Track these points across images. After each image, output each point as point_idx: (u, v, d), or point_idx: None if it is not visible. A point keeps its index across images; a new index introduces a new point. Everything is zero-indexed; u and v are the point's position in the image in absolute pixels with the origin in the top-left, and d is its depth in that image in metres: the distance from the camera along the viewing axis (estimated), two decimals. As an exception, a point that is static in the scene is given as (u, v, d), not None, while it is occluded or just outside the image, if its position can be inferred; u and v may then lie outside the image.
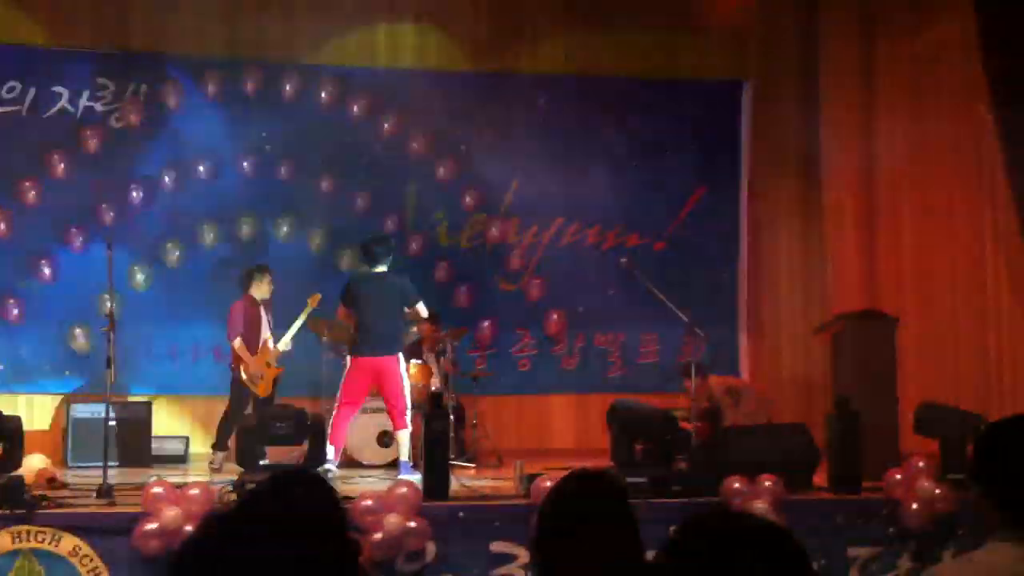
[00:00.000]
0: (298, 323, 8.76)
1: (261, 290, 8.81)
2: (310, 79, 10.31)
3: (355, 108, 10.38)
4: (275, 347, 8.70)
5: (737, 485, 6.04)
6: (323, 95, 10.31)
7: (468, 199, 10.57)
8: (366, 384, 8.01)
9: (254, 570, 1.19)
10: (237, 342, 8.59)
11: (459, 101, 10.58)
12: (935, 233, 9.43)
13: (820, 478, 6.73)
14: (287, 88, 10.26)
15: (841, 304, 9.55)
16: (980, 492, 2.42)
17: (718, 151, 10.95)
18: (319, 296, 8.87)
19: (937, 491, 6.22)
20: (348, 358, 8.17)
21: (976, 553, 2.42)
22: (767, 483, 6.05)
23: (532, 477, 6.12)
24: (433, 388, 8.68)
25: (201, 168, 10.06)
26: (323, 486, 2.39)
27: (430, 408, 6.35)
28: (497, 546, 5.82)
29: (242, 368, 8.57)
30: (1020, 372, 8.24)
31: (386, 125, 10.44)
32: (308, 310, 8.78)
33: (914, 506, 6.22)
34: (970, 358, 8.87)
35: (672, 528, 1.65)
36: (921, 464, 6.39)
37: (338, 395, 7.99)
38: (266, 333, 8.74)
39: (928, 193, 9.58)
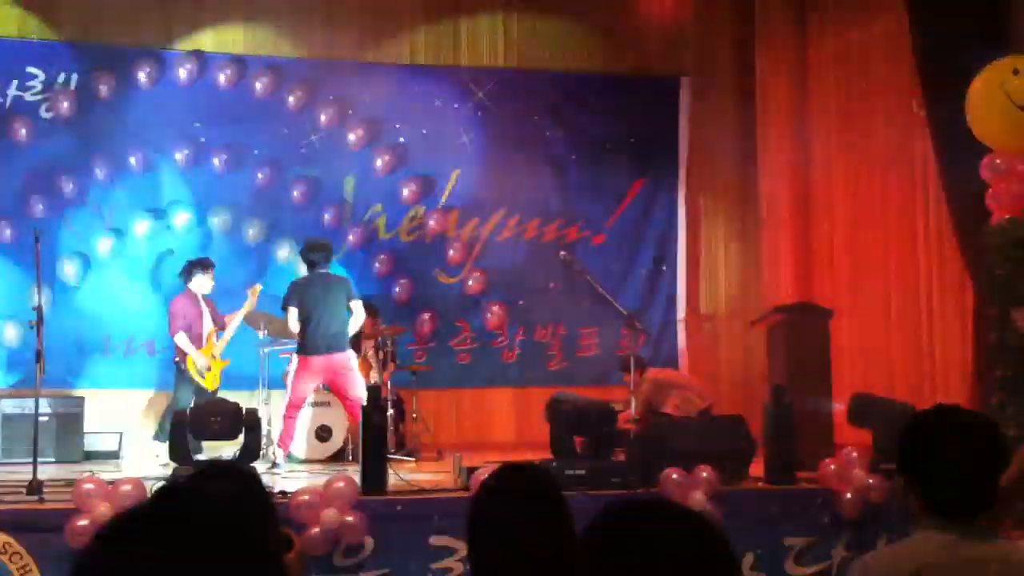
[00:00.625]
0: (240, 314, 8.67)
1: (202, 284, 8.68)
2: (244, 69, 10.18)
3: (291, 99, 10.28)
4: (219, 340, 8.59)
5: (674, 476, 6.08)
6: (258, 86, 10.18)
7: (407, 192, 10.52)
8: (315, 383, 8.21)
9: (161, 570, 1.15)
10: (180, 336, 8.48)
11: (398, 93, 10.55)
12: (869, 227, 9.57)
13: (757, 469, 6.79)
14: (220, 78, 10.12)
15: (777, 297, 9.67)
16: (904, 482, 2.46)
17: (656, 145, 11.04)
18: (259, 287, 8.78)
19: (871, 481, 6.31)
20: (295, 358, 8.13)
21: (904, 541, 2.47)
22: (704, 474, 6.09)
23: (471, 470, 6.10)
24: (371, 382, 8.62)
25: (133, 160, 9.88)
26: (250, 479, 2.36)
27: (368, 402, 6.30)
28: (436, 540, 5.79)
29: (188, 361, 8.46)
30: (952, 364, 8.38)
31: (323, 117, 10.35)
32: (250, 301, 8.69)
33: (848, 496, 6.30)
34: (904, 350, 9.02)
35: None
36: (855, 454, 6.48)
37: (288, 396, 8.03)
38: (209, 326, 8.62)
39: (862, 188, 9.72)
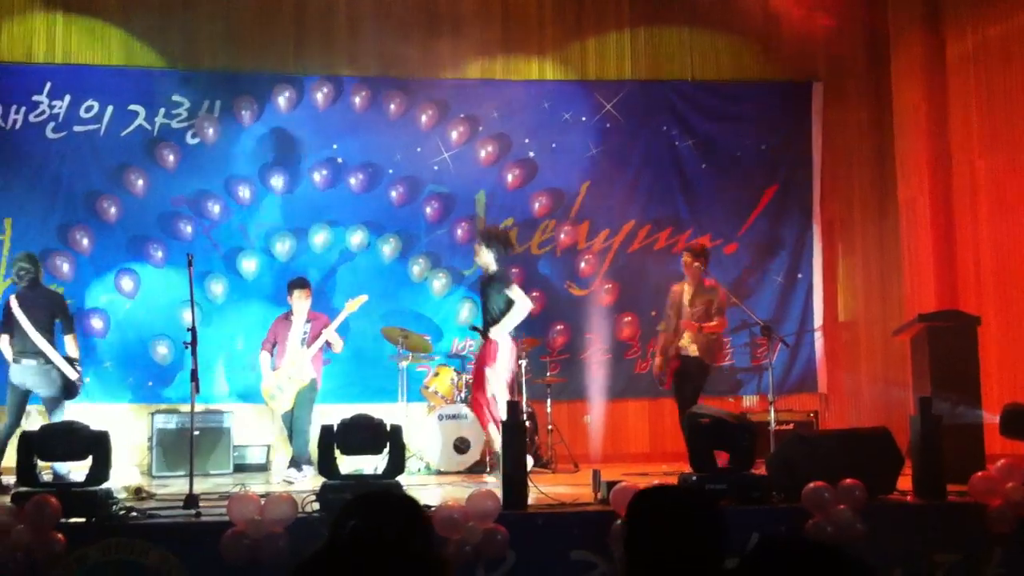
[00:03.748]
0: (335, 324, 8.97)
1: (298, 303, 8.95)
2: (377, 91, 10.43)
3: (423, 118, 10.47)
4: (302, 350, 8.85)
5: (819, 490, 5.94)
6: (391, 106, 10.41)
7: (537, 205, 10.60)
8: None
9: None
10: (263, 356, 8.96)
11: (526, 109, 10.66)
12: (1013, 229, 9.23)
13: (904, 483, 6.61)
14: (355, 100, 10.39)
15: (919, 304, 9.39)
16: None
17: (789, 152, 10.87)
18: (364, 297, 9.11)
19: (1025, 495, 6.08)
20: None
21: None
22: (849, 488, 5.95)
23: (610, 484, 6.10)
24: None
25: (273, 181, 10.23)
26: (410, 506, 2.44)
27: (509, 416, 6.37)
28: (577, 554, 5.81)
29: (261, 384, 8.88)
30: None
31: (454, 134, 10.53)
32: (346, 311, 9.01)
33: (1001, 510, 6.08)
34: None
35: (753, 535, 1.67)
36: (1008, 467, 6.25)
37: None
38: (295, 346, 8.88)
39: (1004, 188, 9.38)
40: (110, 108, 10.06)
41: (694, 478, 6.37)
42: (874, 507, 6.05)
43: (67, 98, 9.99)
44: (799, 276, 10.80)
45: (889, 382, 10.03)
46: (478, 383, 8.29)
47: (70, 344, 8.14)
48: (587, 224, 10.69)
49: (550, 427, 9.41)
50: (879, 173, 10.78)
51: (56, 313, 8.17)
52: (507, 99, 10.65)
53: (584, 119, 10.71)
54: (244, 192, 10.18)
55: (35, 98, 9.98)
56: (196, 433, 7.30)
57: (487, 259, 8.47)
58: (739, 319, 10.01)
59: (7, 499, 5.91)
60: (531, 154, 10.66)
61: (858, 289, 10.89)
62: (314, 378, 8.85)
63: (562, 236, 10.61)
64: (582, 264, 10.63)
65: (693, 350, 8.62)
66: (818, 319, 10.76)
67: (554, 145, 10.66)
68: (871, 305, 10.79)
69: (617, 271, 10.65)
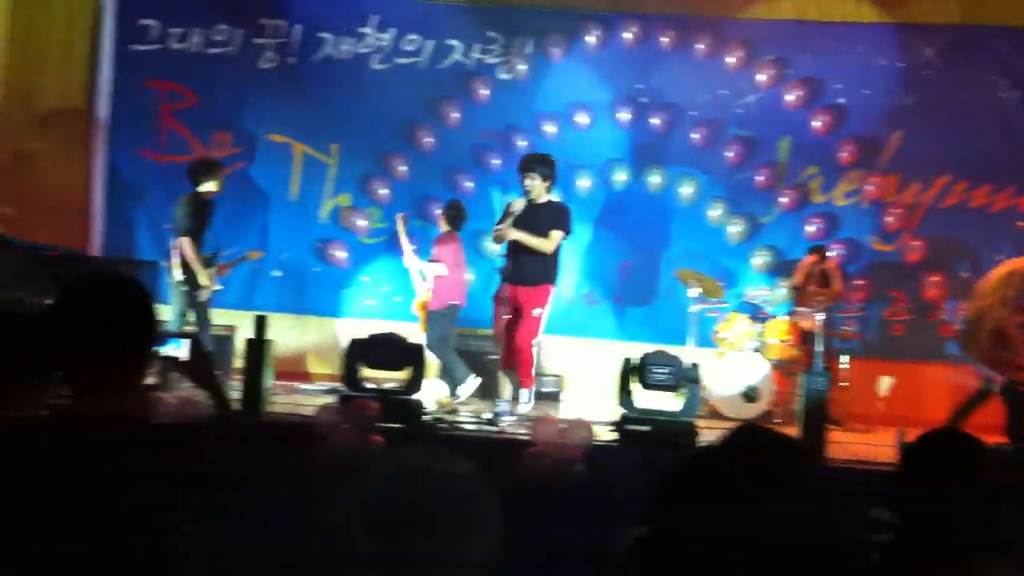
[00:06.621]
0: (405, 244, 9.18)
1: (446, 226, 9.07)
2: (686, 31, 10.34)
3: (730, 59, 10.29)
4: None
5: None
6: (699, 47, 10.30)
7: (844, 154, 10.20)
8: None
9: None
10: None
11: (839, 53, 10.23)
12: None
13: None
14: (663, 40, 10.35)
15: None
16: None
17: None
18: (405, 214, 9.39)
19: None
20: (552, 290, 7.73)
21: None
22: None
23: (908, 446, 5.85)
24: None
25: (578, 118, 10.39)
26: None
27: (809, 368, 6.26)
28: (877, 513, 5.65)
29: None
30: None
31: (761, 76, 10.28)
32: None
33: None
34: None
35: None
36: None
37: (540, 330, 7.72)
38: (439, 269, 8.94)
39: None
40: (431, 42, 10.54)
41: (1009, 449, 6.04)
42: None
43: (391, 31, 10.56)
44: None
45: None
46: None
47: None
48: (897, 176, 10.20)
49: (844, 384, 9.14)
50: None
51: None
52: (820, 41, 10.25)
53: (901, 65, 10.16)
54: (550, 128, 10.41)
55: (362, 30, 10.61)
56: (493, 357, 7.60)
57: (540, 188, 7.70)
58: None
59: (334, 400, 6.44)
60: (841, 100, 10.25)
61: None
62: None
63: (869, 188, 10.18)
64: (888, 218, 10.16)
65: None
66: None
67: (866, 92, 10.20)
68: None
69: (927, 227, 10.11)
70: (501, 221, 7.60)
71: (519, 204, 7.49)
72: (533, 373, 7.64)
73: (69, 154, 10.76)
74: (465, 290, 9.05)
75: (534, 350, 7.63)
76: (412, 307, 9.49)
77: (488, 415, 7.25)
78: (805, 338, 9.11)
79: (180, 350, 2.74)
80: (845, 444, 6.85)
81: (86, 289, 2.29)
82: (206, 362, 2.73)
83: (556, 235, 7.50)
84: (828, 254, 9.56)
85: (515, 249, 7.56)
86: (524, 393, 7.66)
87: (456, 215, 9.02)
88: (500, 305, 7.90)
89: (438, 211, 9.46)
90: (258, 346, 6.33)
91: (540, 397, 9.43)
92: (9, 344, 2.57)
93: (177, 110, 10.76)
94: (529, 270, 7.47)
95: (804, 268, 9.46)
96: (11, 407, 2.56)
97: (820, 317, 8.69)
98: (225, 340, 8.76)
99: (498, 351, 8.10)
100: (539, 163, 7.70)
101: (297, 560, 5.81)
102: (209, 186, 8.26)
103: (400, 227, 9.37)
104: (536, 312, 7.50)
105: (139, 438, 2.22)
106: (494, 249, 7.61)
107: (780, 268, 10.16)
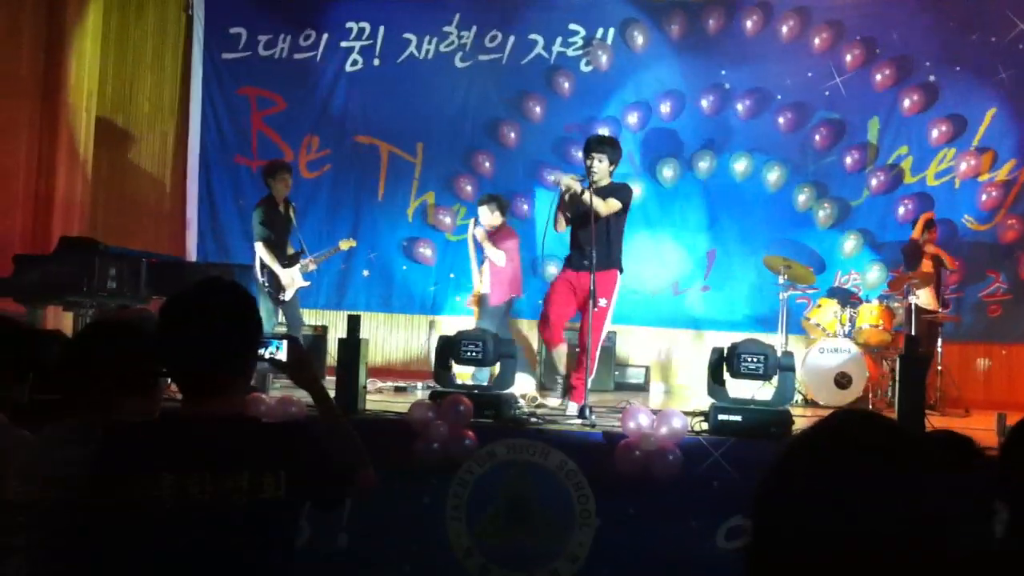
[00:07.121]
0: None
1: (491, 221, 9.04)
2: (770, 14, 10.23)
3: (816, 41, 10.15)
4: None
5: None
6: (784, 29, 10.17)
7: (936, 133, 9.99)
8: None
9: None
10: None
11: (929, 29, 10.02)
12: None
13: None
14: (747, 24, 10.25)
15: None
16: None
17: None
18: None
19: None
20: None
21: None
22: None
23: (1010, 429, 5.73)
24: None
25: (662, 108, 10.35)
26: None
27: (906, 352, 6.15)
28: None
29: None
30: None
31: (849, 57, 10.12)
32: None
33: None
34: None
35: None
36: None
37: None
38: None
39: None
40: (512, 38, 10.61)
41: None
42: None
43: (473, 28, 10.66)
44: None
45: None
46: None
47: None
48: (991, 154, 9.94)
49: (939, 367, 8.95)
50: None
51: None
52: (909, 19, 10.05)
53: (994, 39, 9.89)
54: (632, 119, 10.40)
55: (445, 29, 10.72)
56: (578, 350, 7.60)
57: (604, 171, 7.19)
58: None
59: (425, 397, 6.54)
60: (931, 78, 10.03)
61: None
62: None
63: (962, 166, 9.94)
64: (983, 197, 9.91)
65: None
66: None
67: (958, 68, 9.96)
68: None
69: (1023, 205, 9.85)
70: (560, 208, 7.31)
71: (576, 184, 6.95)
72: (589, 384, 6.86)
73: (163, 162, 11.10)
74: (521, 282, 9.19)
75: (596, 352, 7.13)
76: (467, 301, 9.58)
77: (574, 408, 7.14)
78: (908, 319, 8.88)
79: (279, 352, 2.81)
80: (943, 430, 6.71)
81: (192, 296, 2.38)
82: (307, 362, 2.82)
83: (613, 202, 7.15)
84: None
85: (578, 236, 7.37)
86: (573, 407, 6.92)
87: (509, 208, 9.18)
88: (554, 294, 7.51)
89: (525, 205, 9.49)
90: (353, 345, 6.45)
91: (626, 388, 9.47)
92: (114, 351, 2.69)
93: (267, 116, 11.02)
94: (600, 254, 7.16)
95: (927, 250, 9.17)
96: (121, 412, 2.67)
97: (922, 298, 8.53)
98: (318, 340, 8.96)
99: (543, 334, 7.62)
100: (608, 145, 7.43)
101: (401, 554, 5.93)
102: (277, 188, 8.47)
103: (473, 231, 9.35)
104: (603, 302, 7.06)
105: (259, 433, 2.32)
106: (560, 231, 7.39)
107: (873, 250, 10.00)
